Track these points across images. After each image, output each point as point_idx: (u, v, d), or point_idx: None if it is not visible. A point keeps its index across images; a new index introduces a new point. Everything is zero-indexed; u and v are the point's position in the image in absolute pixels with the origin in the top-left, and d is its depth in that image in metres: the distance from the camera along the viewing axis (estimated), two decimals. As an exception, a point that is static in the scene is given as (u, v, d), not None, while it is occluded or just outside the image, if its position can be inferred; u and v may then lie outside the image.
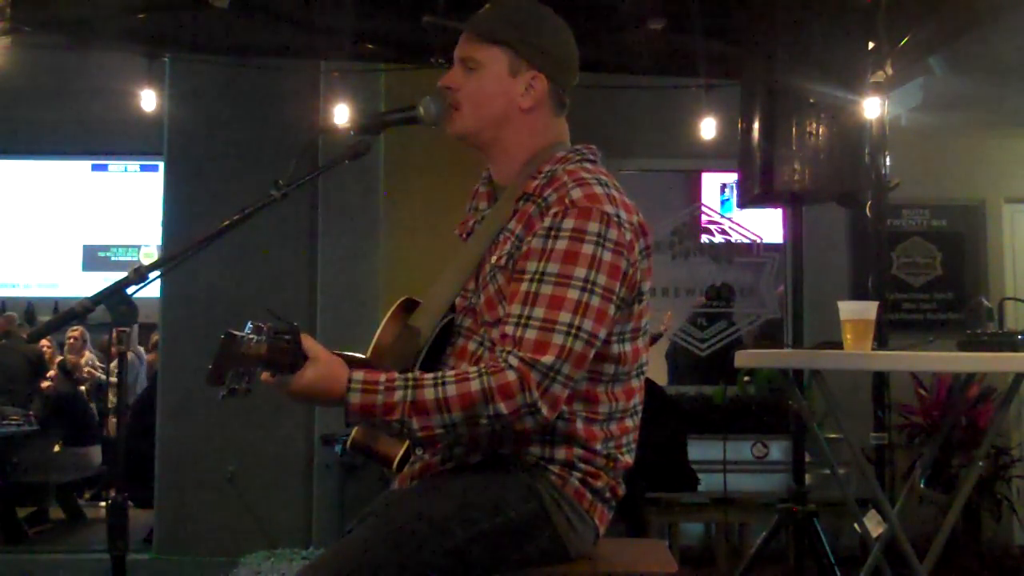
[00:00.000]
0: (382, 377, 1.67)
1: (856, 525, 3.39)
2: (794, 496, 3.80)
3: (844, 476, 4.12)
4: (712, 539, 5.44)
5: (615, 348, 1.80)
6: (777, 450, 5.47)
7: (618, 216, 1.75)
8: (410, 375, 1.69)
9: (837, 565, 3.65)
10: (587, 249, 1.71)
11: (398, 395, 1.66)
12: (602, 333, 1.73)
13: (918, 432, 5.62)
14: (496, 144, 1.91)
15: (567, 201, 1.74)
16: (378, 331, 1.89)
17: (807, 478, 4.00)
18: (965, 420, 5.40)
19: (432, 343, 1.85)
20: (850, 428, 3.22)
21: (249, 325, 1.61)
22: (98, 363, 8.30)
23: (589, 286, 1.70)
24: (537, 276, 1.71)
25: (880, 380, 4.50)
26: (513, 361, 1.66)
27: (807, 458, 4.11)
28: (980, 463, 3.31)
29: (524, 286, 1.72)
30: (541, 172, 1.84)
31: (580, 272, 1.70)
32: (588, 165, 1.85)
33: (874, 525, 3.25)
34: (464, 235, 1.99)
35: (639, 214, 1.82)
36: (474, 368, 1.68)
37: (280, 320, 1.63)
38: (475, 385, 1.64)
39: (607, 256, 1.72)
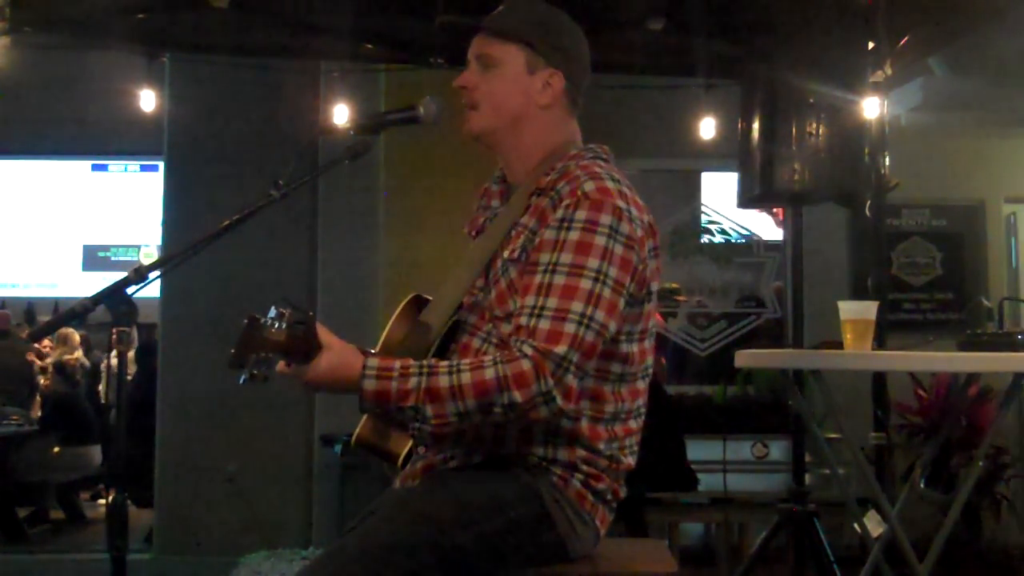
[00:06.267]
0: (397, 364, 1.68)
1: (856, 525, 3.38)
2: (794, 496, 3.80)
3: (844, 476, 4.11)
4: (712, 539, 5.43)
5: (623, 347, 1.81)
6: (777, 450, 5.46)
7: (629, 212, 1.76)
8: (424, 362, 1.70)
9: (837, 565, 3.64)
10: (599, 241, 1.72)
11: (412, 382, 1.66)
12: (612, 325, 1.73)
13: (917, 432, 5.61)
14: (512, 142, 1.91)
15: (579, 193, 1.75)
16: (387, 328, 1.90)
17: (807, 478, 3.99)
18: (964, 420, 5.40)
19: (439, 340, 1.85)
20: (850, 428, 3.22)
21: (273, 310, 1.60)
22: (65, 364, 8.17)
23: (601, 277, 1.71)
24: (550, 267, 1.72)
25: (880, 380, 4.50)
26: (527, 350, 1.66)
27: (807, 458, 4.10)
28: (980, 463, 3.31)
29: (537, 278, 1.73)
30: (554, 168, 1.85)
31: (592, 263, 1.71)
32: (601, 163, 1.86)
33: (874, 525, 3.25)
34: (473, 233, 1.99)
35: (649, 214, 1.83)
36: (489, 357, 1.68)
37: (295, 309, 1.61)
38: (490, 373, 1.65)
39: (619, 249, 1.73)
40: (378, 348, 1.85)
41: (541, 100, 1.89)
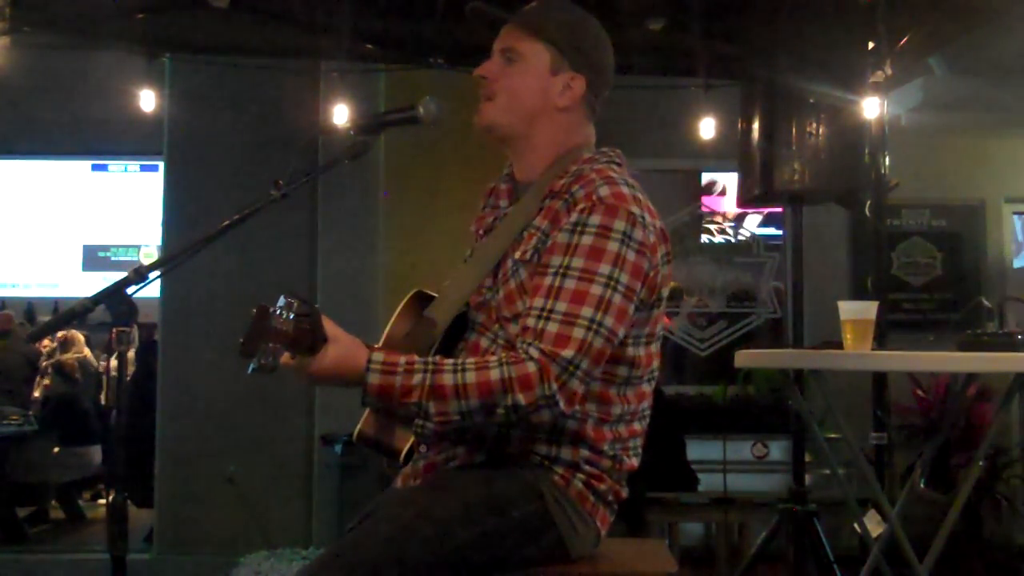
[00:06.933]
0: (402, 359, 1.67)
1: (856, 525, 3.39)
2: (794, 496, 3.80)
3: (844, 476, 4.12)
4: (712, 539, 5.43)
5: (630, 351, 1.80)
6: (777, 450, 5.46)
7: (643, 218, 1.76)
8: (429, 359, 1.69)
9: (837, 565, 3.65)
10: (612, 246, 1.72)
11: (417, 378, 1.65)
12: (621, 331, 1.73)
13: (917, 432, 5.62)
14: (524, 140, 1.90)
15: (595, 197, 1.75)
16: (390, 323, 1.89)
17: (807, 478, 4.00)
18: (964, 420, 5.40)
19: (444, 336, 1.84)
20: (850, 428, 3.22)
21: (282, 299, 1.60)
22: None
23: (612, 283, 1.71)
24: (561, 270, 1.72)
25: (880, 380, 4.50)
26: (534, 353, 1.66)
27: (807, 458, 4.11)
28: (980, 463, 3.31)
29: (548, 280, 1.72)
30: (568, 171, 1.84)
31: (604, 269, 1.71)
32: (615, 167, 1.86)
33: (874, 525, 3.25)
34: (481, 232, 1.98)
35: (661, 220, 1.83)
36: (494, 357, 1.68)
37: (300, 301, 1.61)
38: (495, 374, 1.64)
39: (631, 255, 1.73)
40: (381, 342, 1.84)
41: (560, 102, 1.88)
